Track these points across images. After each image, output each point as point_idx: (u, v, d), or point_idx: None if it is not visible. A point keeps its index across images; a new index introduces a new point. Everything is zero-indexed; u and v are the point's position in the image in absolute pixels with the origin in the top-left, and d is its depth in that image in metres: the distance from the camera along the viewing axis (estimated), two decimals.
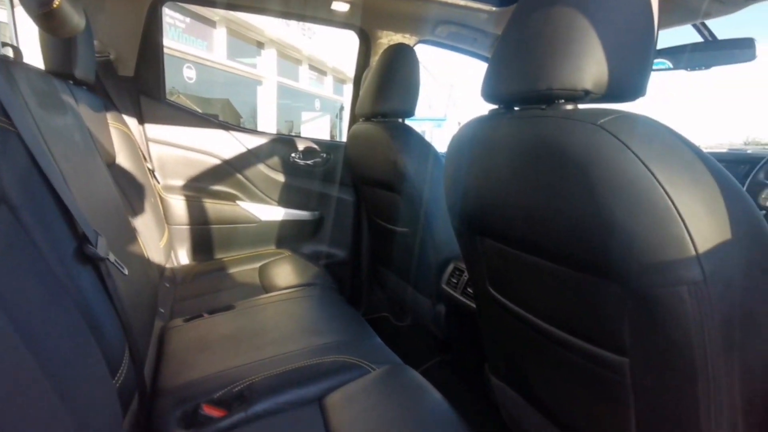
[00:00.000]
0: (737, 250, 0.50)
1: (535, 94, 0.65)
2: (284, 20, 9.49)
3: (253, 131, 1.88)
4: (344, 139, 1.87)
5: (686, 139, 0.52)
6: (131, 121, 1.62)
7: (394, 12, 1.72)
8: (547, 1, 0.65)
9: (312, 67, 11.95)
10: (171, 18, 7.16)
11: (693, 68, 1.20)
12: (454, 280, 1.34)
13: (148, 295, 1.10)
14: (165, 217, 1.72)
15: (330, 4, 1.66)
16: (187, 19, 7.50)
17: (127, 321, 0.79)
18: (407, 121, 1.55)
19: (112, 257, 0.77)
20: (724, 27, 1.30)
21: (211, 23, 8.05)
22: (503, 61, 0.73)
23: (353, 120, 1.91)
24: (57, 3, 0.77)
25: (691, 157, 0.50)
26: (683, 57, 1.27)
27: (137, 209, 1.39)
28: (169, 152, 1.73)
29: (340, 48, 11.89)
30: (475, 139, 0.80)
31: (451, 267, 1.38)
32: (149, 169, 1.67)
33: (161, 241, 1.55)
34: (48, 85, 0.90)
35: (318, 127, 12.01)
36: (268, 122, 10.02)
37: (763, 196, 1.37)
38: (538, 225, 0.67)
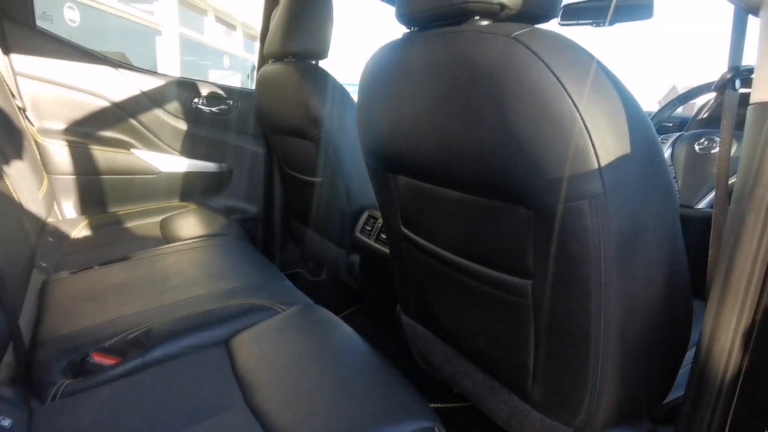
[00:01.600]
0: (634, 164, 0.54)
1: (448, 9, 0.64)
2: None
3: (146, 71, 1.69)
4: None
5: (594, 56, 0.54)
6: None
7: None
8: None
9: (219, 20, 11.05)
10: None
11: (597, 24, 1.27)
12: (368, 228, 1.34)
13: (21, 245, 0.97)
14: (43, 165, 1.51)
15: None
16: None
17: None
18: (347, 85, 1.48)
19: None
20: None
21: None
22: None
23: (262, 62, 1.80)
24: None
25: (599, 72, 0.52)
26: (588, 12, 1.33)
27: (6, 153, 1.19)
28: (45, 90, 1.50)
29: (250, 2, 11.10)
30: (388, 65, 0.78)
31: (365, 215, 1.37)
32: (19, 108, 1.44)
33: (39, 192, 1.36)
34: None
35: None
36: None
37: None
38: (451, 153, 0.67)
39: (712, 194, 1.33)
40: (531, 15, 0.62)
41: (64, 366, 0.75)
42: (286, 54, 1.40)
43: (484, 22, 0.62)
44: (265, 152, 1.88)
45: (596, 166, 0.51)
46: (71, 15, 6.68)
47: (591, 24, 1.35)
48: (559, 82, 0.50)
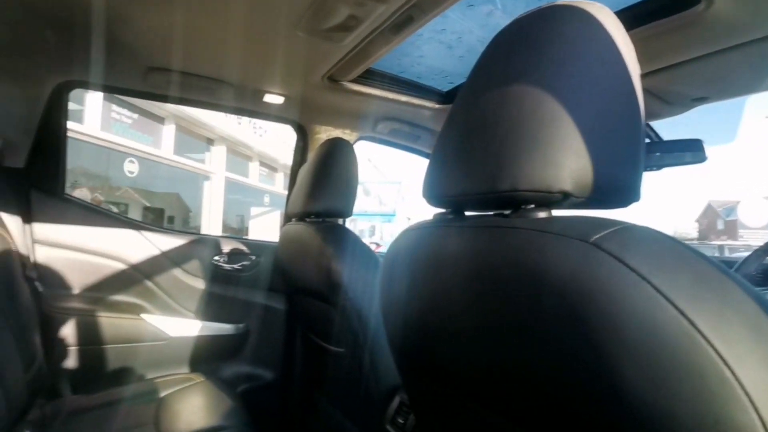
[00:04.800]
0: None
1: (493, 196, 0.49)
2: (237, 119, 9.68)
3: (170, 231, 1.64)
4: None
5: (715, 261, 0.36)
6: (12, 220, 1.35)
7: (332, 107, 1.64)
8: (499, 78, 0.51)
9: (263, 164, 12.03)
10: (117, 113, 7.06)
11: (646, 169, 1.14)
12: (401, 420, 1.08)
13: None
14: (45, 338, 1.38)
15: (263, 97, 1.55)
16: (135, 115, 7.43)
17: None
18: (356, 215, 1.39)
19: None
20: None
21: (159, 119, 8.01)
22: (448, 157, 0.58)
23: (287, 219, 1.73)
24: None
25: (740, 294, 0.34)
26: None
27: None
28: (60, 255, 1.44)
29: (292, 146, 12.15)
30: (415, 253, 0.62)
31: (396, 402, 1.13)
32: (29, 278, 1.36)
33: (28, 374, 1.20)
34: None
35: (266, 221, 11.81)
36: (215, 216, 9.73)
37: None
38: (501, 373, 0.47)
39: None
40: (604, 200, 0.46)
41: None
42: (308, 214, 1.32)
43: (542, 213, 0.46)
44: (286, 309, 1.72)
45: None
46: (130, 167, 7.40)
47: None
48: (690, 322, 0.32)
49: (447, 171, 0.58)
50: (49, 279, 1.43)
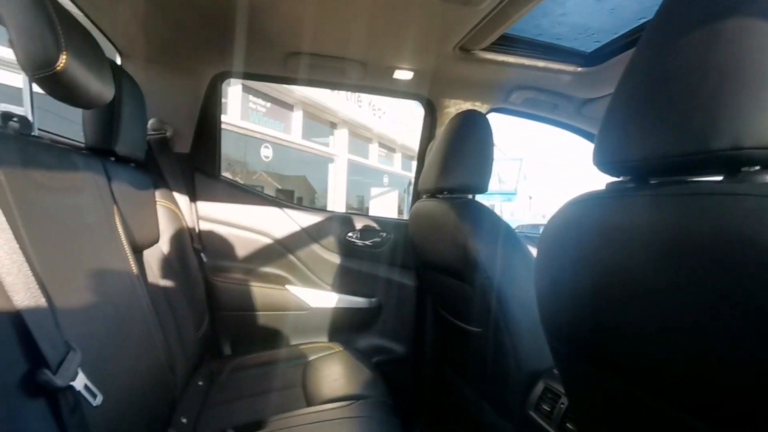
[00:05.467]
0: None
1: (700, 158, 0.40)
2: (357, 102, 10.02)
3: (308, 208, 1.74)
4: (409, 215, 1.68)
5: None
6: (182, 199, 1.54)
7: (463, 79, 1.56)
8: (702, 14, 0.41)
9: (382, 145, 12.35)
10: (253, 103, 7.77)
11: None
12: (546, 408, 1.01)
13: (154, 414, 0.90)
14: (209, 302, 1.57)
15: (392, 74, 1.53)
16: (268, 104, 8.10)
17: None
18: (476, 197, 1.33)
19: (81, 381, 0.57)
20: None
21: (288, 107, 8.63)
22: (627, 117, 0.49)
23: (416, 197, 1.72)
24: (61, 65, 0.66)
25: None
26: None
27: (172, 296, 1.24)
28: (220, 231, 1.62)
29: (409, 126, 12.26)
30: (586, 227, 0.55)
31: (540, 387, 1.06)
32: (196, 249, 1.55)
33: (199, 331, 1.38)
34: (62, 164, 0.79)
35: (386, 201, 12.14)
36: (339, 197, 10.29)
37: None
38: (700, 371, 0.39)
39: None
40: None
41: None
42: (441, 190, 1.28)
43: None
44: (417, 286, 1.72)
45: None
46: (266, 152, 8.12)
47: None
48: None
49: (626, 133, 0.49)
50: (210, 251, 1.61)
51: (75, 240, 0.75)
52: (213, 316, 1.58)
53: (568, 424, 0.94)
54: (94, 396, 0.60)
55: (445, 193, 1.29)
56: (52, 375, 0.53)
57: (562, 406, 0.97)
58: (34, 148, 0.72)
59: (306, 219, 1.70)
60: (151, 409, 0.89)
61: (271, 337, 1.63)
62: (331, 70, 1.56)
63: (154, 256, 1.24)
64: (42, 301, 0.55)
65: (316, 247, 1.70)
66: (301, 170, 9.85)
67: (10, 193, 0.60)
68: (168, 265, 1.31)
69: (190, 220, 1.56)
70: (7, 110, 0.72)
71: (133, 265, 0.97)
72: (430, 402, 1.72)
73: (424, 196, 1.42)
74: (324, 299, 1.68)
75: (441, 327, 1.55)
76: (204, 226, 1.61)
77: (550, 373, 1.07)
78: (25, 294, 0.54)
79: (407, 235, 1.72)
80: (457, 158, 1.22)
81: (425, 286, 1.67)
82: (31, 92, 0.72)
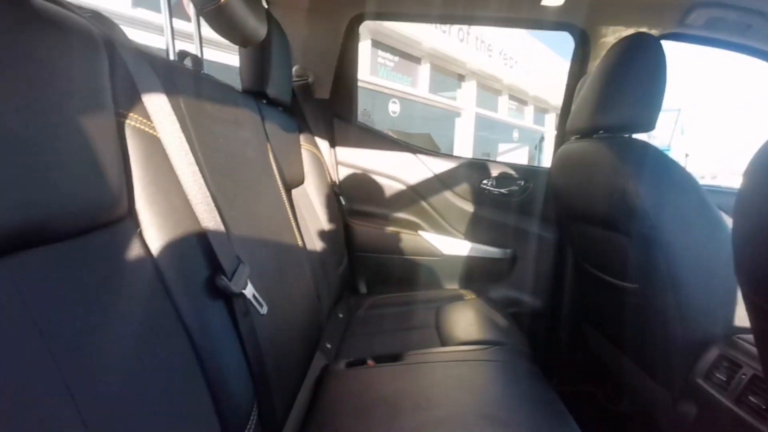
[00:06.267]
0: None
1: None
2: (487, 52, 9.50)
3: (441, 154, 1.70)
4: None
5: None
6: (323, 144, 1.61)
7: (626, 0, 1.34)
8: None
9: (512, 97, 11.63)
10: (382, 58, 7.82)
11: None
12: (721, 377, 0.87)
13: (307, 333, 0.98)
14: (346, 244, 1.65)
15: (540, 1, 1.37)
16: (396, 58, 8.09)
17: (262, 372, 0.64)
18: None
19: (250, 291, 0.63)
20: None
21: (416, 60, 8.53)
22: None
23: (561, 140, 1.57)
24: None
25: None
26: None
27: (316, 234, 1.32)
28: (357, 176, 1.67)
29: (542, 76, 11.31)
30: None
31: (713, 354, 0.91)
32: (335, 193, 1.63)
33: (339, 268, 1.46)
34: (227, 99, 0.86)
35: (515, 158, 11.56)
36: (465, 154, 10.07)
37: None
38: None
39: None
40: None
41: None
42: (596, 128, 1.13)
43: None
44: (556, 239, 1.60)
45: None
46: (393, 108, 8.19)
47: None
48: None
49: None
50: (348, 195, 1.68)
51: (239, 170, 0.82)
52: (350, 256, 1.66)
53: (751, 398, 0.80)
54: (261, 305, 0.65)
55: (601, 132, 1.14)
56: (228, 281, 0.59)
57: (743, 377, 0.83)
58: (205, 83, 0.78)
59: (439, 165, 1.67)
60: (304, 329, 0.96)
61: (405, 280, 1.67)
62: (472, 2, 1.46)
63: (300, 196, 1.32)
64: (218, 221, 0.61)
65: (448, 195, 1.67)
66: (426, 127, 9.78)
67: (189, 120, 0.66)
68: (312, 206, 1.39)
69: (330, 165, 1.63)
70: (183, 49, 0.80)
71: (285, 201, 1.05)
72: (567, 359, 1.62)
73: (573, 138, 1.28)
74: (456, 247, 1.65)
75: (583, 282, 1.43)
76: (342, 170, 1.68)
77: (727, 340, 0.91)
78: (208, 214, 0.60)
79: (548, 183, 1.59)
80: (620, 89, 1.05)
81: (567, 238, 1.54)
82: (200, 34, 0.79)
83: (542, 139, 12.76)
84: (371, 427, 0.78)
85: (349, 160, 1.67)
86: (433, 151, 1.72)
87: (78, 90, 0.45)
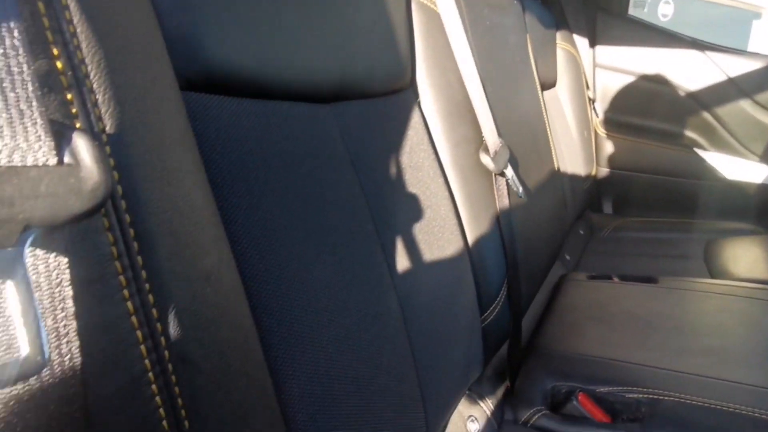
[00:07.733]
0: None
1: None
2: None
3: (745, 52, 1.31)
4: None
5: None
6: (581, 43, 1.43)
7: None
8: None
9: None
10: None
11: None
12: None
13: (552, 234, 0.94)
14: (596, 157, 1.49)
15: None
16: None
17: (514, 254, 0.65)
18: None
19: (510, 173, 0.63)
20: None
21: None
22: None
23: None
24: None
25: None
26: None
27: (564, 142, 1.22)
28: (619, 81, 1.44)
29: None
30: None
31: None
32: (590, 99, 1.45)
33: (585, 183, 1.34)
34: None
35: None
36: None
37: None
38: None
39: None
40: None
41: (546, 390, 0.65)
42: None
43: None
44: None
45: None
46: (665, 10, 6.68)
47: None
48: None
49: None
50: (604, 101, 1.48)
51: (502, 56, 0.79)
52: (598, 172, 1.50)
53: None
54: (518, 188, 0.65)
55: None
56: (490, 160, 0.59)
57: None
58: None
59: (739, 66, 1.30)
60: (550, 229, 0.93)
61: (664, 204, 1.43)
62: None
63: (550, 100, 1.22)
64: (485, 102, 0.62)
65: (746, 105, 1.30)
66: (707, 35, 7.70)
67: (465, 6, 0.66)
68: (562, 113, 1.28)
69: (587, 66, 1.45)
70: None
71: (540, 97, 0.98)
72: None
73: None
74: (747, 171, 1.31)
75: None
76: (601, 75, 1.47)
77: None
78: (476, 93, 0.61)
79: None
80: None
81: None
82: None
83: None
84: (624, 337, 0.73)
85: (610, 61, 1.45)
86: (733, 48, 1.34)
87: None
